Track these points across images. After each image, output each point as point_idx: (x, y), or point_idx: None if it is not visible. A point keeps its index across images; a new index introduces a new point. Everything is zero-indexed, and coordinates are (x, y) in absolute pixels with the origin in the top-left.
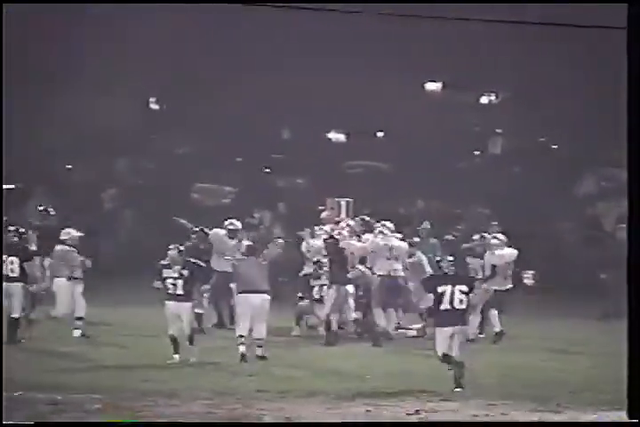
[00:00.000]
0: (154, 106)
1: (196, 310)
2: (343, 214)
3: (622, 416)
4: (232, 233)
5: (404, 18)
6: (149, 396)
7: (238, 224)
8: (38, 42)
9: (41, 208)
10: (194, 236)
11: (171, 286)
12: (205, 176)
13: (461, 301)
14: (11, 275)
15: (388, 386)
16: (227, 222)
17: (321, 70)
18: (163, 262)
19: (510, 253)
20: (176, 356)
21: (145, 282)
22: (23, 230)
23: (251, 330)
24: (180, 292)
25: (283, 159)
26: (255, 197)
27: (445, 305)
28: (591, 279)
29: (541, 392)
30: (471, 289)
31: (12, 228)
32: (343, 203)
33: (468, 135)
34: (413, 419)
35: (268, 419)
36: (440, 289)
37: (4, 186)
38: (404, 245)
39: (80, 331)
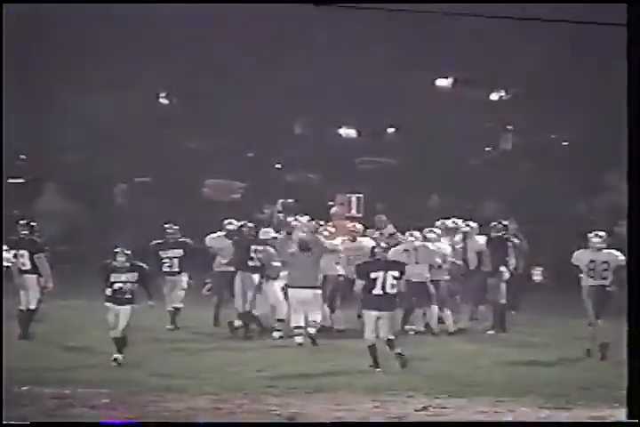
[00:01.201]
0: (164, 100)
1: (175, 306)
2: (354, 210)
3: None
4: (230, 233)
5: (415, 14)
6: (156, 391)
7: (237, 224)
8: (51, 37)
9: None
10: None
11: (118, 290)
12: (216, 171)
13: (392, 286)
14: (23, 268)
15: (396, 382)
16: (225, 222)
17: (332, 67)
18: (109, 265)
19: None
20: (119, 355)
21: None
22: (34, 224)
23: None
24: (127, 296)
25: (294, 155)
26: (266, 193)
27: (378, 290)
28: None
29: (550, 389)
30: (402, 274)
31: (22, 221)
32: (354, 198)
33: (479, 132)
34: (421, 415)
35: (275, 414)
36: (373, 275)
37: (16, 180)
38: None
39: None
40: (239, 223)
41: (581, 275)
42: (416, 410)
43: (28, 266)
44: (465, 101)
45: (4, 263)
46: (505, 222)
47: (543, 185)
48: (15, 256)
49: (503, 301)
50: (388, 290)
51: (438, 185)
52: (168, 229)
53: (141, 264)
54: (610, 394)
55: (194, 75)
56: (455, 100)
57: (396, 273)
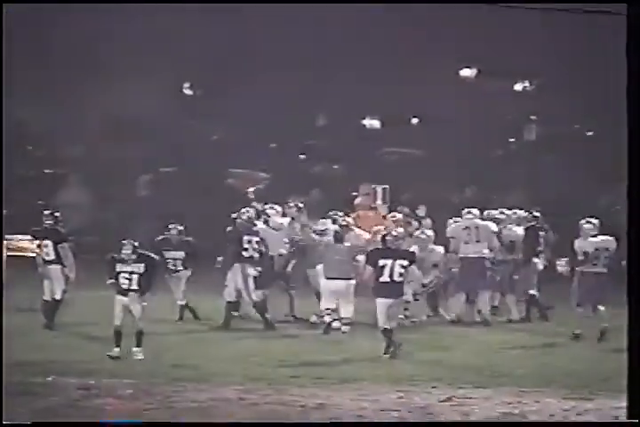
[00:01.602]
0: (188, 91)
1: (179, 302)
2: (379, 201)
3: None
4: (249, 220)
5: (440, 3)
6: (180, 381)
7: (253, 212)
8: (74, 26)
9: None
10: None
11: (125, 281)
12: (240, 162)
13: (401, 274)
14: (47, 258)
15: (420, 372)
16: (243, 210)
17: (356, 56)
18: (115, 257)
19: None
20: (117, 349)
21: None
22: (58, 214)
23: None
24: (134, 287)
25: (317, 145)
26: (290, 183)
27: (385, 278)
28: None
29: (574, 380)
30: (411, 263)
31: (46, 211)
32: (379, 189)
33: (503, 122)
34: (446, 405)
35: (299, 404)
36: (382, 262)
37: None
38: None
39: None
40: (234, 214)
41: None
42: (440, 401)
43: (52, 256)
44: (489, 92)
45: (29, 253)
46: (536, 213)
47: (567, 175)
48: (39, 246)
49: (533, 291)
50: (396, 278)
51: (462, 176)
52: (172, 228)
53: (150, 255)
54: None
55: (217, 66)
56: (479, 90)
57: (405, 262)
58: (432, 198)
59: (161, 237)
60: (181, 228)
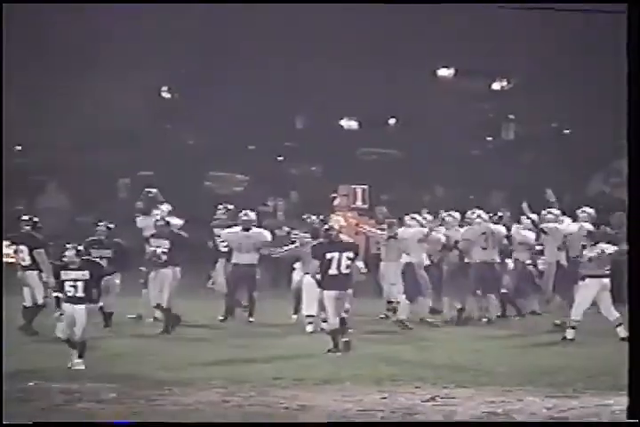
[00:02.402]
0: (166, 95)
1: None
2: (359, 201)
3: None
4: (246, 224)
5: (416, 3)
6: (164, 384)
7: (252, 215)
8: (50, 32)
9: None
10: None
11: (70, 289)
12: (218, 164)
13: (347, 266)
14: (23, 264)
15: (402, 373)
16: (241, 214)
17: (332, 58)
18: (58, 263)
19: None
20: (78, 360)
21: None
22: (37, 220)
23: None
24: (79, 294)
25: (295, 147)
26: (268, 185)
27: (333, 270)
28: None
29: (558, 378)
30: (356, 255)
31: (25, 217)
32: (359, 190)
33: (481, 121)
34: (429, 405)
35: (282, 406)
36: (329, 255)
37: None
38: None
39: None
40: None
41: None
42: (423, 401)
43: (28, 262)
44: (466, 91)
45: (5, 259)
46: (500, 214)
47: (545, 174)
48: (15, 252)
49: (505, 290)
50: (344, 270)
51: (440, 175)
52: (101, 226)
53: (95, 260)
54: (615, 382)
55: (195, 69)
56: (456, 90)
57: (351, 254)
58: (410, 198)
59: (90, 239)
60: (80, 247)
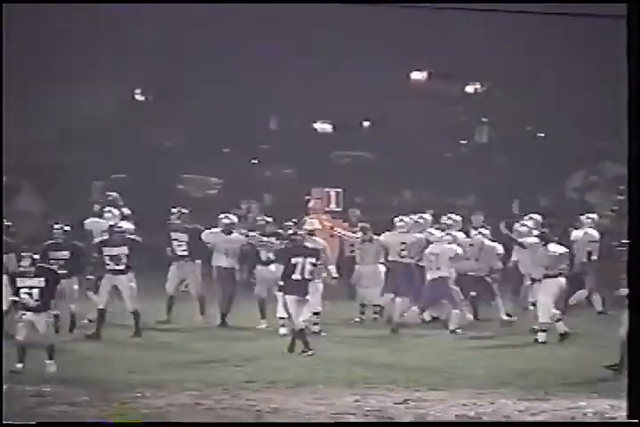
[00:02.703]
0: (139, 97)
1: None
2: (333, 204)
3: (613, 403)
4: (227, 227)
5: (390, 6)
6: (136, 388)
7: (234, 218)
8: (23, 34)
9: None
10: None
11: (25, 296)
12: (192, 167)
13: (310, 272)
14: None
15: (376, 375)
16: (221, 216)
17: (306, 61)
18: (15, 272)
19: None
20: (20, 365)
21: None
22: (9, 224)
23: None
24: (35, 301)
25: (270, 150)
26: (242, 188)
27: (297, 276)
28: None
29: (530, 381)
30: (317, 260)
31: None
32: (333, 193)
33: (454, 124)
34: (401, 408)
35: (255, 409)
36: (294, 260)
37: None
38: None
39: None
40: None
41: None
42: (396, 403)
43: None
44: (440, 94)
45: None
46: (456, 218)
47: (518, 177)
48: None
49: (474, 293)
50: (306, 275)
51: (414, 178)
52: (58, 229)
53: (51, 267)
54: (587, 384)
55: (169, 71)
56: (430, 93)
57: (313, 260)
58: (383, 201)
59: (49, 242)
60: (68, 228)
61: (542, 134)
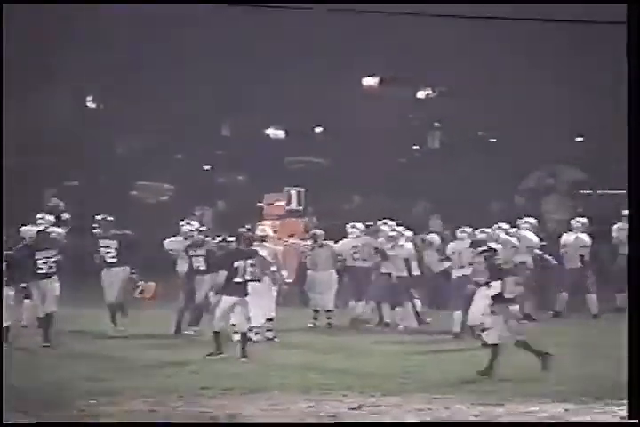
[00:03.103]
0: (91, 104)
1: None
2: (294, 204)
3: (567, 407)
4: (187, 235)
5: (341, 12)
6: (92, 395)
7: (195, 224)
8: None
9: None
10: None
11: None
12: (145, 174)
13: (251, 273)
14: None
15: (330, 381)
16: (182, 223)
17: (257, 67)
18: None
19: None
20: None
21: (78, 283)
22: None
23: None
24: None
25: (222, 156)
26: (195, 195)
27: (239, 278)
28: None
29: (483, 386)
30: (255, 260)
31: None
32: (294, 192)
33: (407, 130)
34: (355, 414)
35: (210, 416)
36: (236, 264)
37: None
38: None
39: None
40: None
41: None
42: (350, 409)
43: None
44: (392, 100)
45: None
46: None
47: (471, 182)
48: None
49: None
50: (247, 277)
51: (367, 184)
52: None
53: None
54: (541, 388)
55: (121, 78)
56: (382, 98)
57: (253, 261)
58: (337, 207)
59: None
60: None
61: (494, 140)
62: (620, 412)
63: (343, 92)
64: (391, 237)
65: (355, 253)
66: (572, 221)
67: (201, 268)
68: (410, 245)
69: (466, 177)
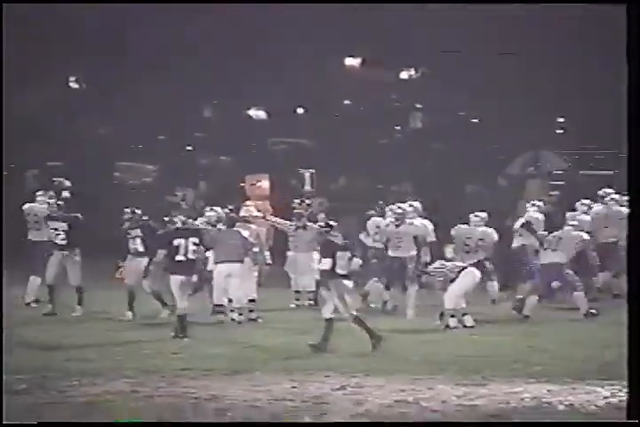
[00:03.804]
0: (74, 85)
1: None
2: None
3: (551, 388)
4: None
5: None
6: (74, 376)
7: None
8: None
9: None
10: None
11: None
12: (127, 155)
13: (194, 251)
14: None
15: (312, 362)
16: (207, 209)
17: (238, 47)
18: None
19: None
20: None
21: None
22: None
23: (230, 300)
24: None
25: (205, 137)
26: (178, 176)
27: (180, 257)
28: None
29: (466, 366)
30: (201, 240)
31: None
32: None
33: (389, 110)
34: (339, 394)
35: (193, 396)
36: (176, 242)
37: None
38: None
39: None
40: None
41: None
42: (333, 389)
43: None
44: (374, 80)
45: None
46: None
47: (453, 163)
48: None
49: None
50: (190, 256)
51: (349, 164)
52: None
53: None
54: (524, 369)
55: (103, 59)
56: (364, 79)
57: (197, 240)
58: (319, 187)
59: None
60: None
61: (476, 120)
62: (605, 393)
63: (325, 72)
64: (398, 213)
65: (376, 233)
66: (567, 214)
67: (139, 249)
68: (418, 222)
69: (448, 158)
